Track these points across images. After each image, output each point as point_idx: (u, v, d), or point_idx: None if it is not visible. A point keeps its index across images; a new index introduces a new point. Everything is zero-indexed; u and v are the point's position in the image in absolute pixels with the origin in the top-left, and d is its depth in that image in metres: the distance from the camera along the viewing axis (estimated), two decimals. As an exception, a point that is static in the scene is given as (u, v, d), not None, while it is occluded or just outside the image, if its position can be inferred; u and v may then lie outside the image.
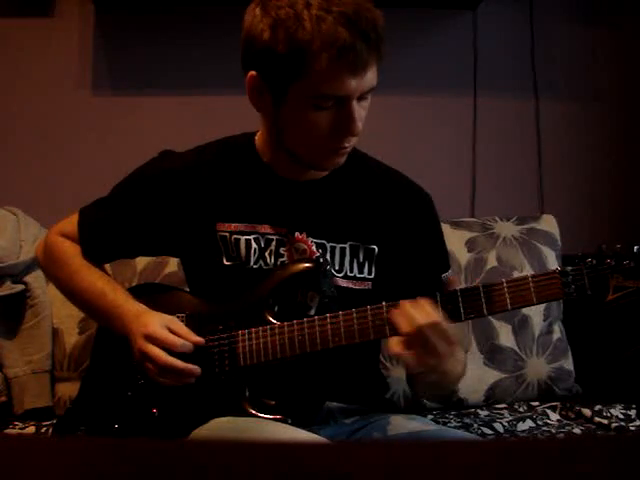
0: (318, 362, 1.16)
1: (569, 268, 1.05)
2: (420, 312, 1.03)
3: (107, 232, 1.28)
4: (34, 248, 1.80)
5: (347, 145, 1.13)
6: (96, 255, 1.29)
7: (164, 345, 1.13)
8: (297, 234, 1.21)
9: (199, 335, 1.18)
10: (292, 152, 1.17)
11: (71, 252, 1.29)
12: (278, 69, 1.07)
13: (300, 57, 1.04)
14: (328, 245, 1.21)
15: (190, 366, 1.13)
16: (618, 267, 1.02)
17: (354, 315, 1.10)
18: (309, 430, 1.10)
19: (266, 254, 1.20)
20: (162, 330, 1.14)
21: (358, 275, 1.22)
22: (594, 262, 1.04)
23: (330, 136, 1.10)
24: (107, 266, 1.39)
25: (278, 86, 1.09)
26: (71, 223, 1.30)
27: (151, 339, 1.13)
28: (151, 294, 1.28)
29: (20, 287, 1.73)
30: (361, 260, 1.22)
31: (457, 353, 1.09)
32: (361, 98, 1.09)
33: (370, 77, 1.08)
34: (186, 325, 1.20)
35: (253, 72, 1.11)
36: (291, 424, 1.10)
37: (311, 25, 1.02)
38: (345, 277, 1.21)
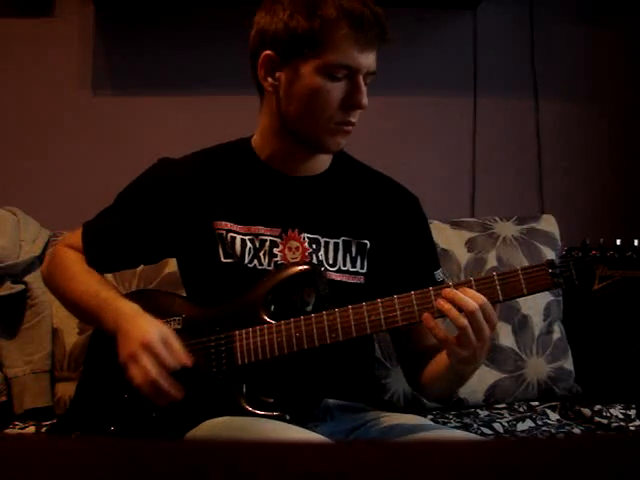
0: (315, 359, 1.17)
1: (556, 260, 1.10)
2: (466, 294, 1.07)
3: (110, 241, 1.31)
4: (34, 248, 1.81)
5: (352, 120, 1.20)
6: (100, 264, 1.31)
7: (158, 360, 1.12)
8: (290, 231, 1.24)
9: (197, 337, 1.19)
10: (298, 133, 1.22)
11: (72, 259, 1.31)
12: (297, 42, 1.16)
13: (321, 28, 1.14)
14: (322, 240, 1.25)
15: (173, 392, 1.12)
16: (602, 258, 1.08)
17: (350, 311, 1.12)
18: (306, 427, 1.11)
19: (260, 254, 1.23)
20: (160, 344, 1.12)
21: (351, 269, 1.25)
22: (580, 254, 1.09)
23: (338, 108, 1.18)
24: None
25: (294, 58, 1.17)
26: (76, 235, 1.33)
27: (147, 349, 1.11)
28: (147, 299, 1.28)
29: (20, 287, 1.73)
30: (354, 255, 1.26)
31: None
32: (364, 82, 1.19)
33: (374, 59, 1.19)
34: (182, 327, 1.21)
35: (268, 52, 1.19)
36: (288, 421, 1.10)
37: (332, 0, 1.15)
38: (338, 271, 1.25)
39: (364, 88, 1.18)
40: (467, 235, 1.89)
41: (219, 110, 2.08)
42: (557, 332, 1.85)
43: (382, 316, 1.11)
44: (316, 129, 1.20)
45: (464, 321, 1.05)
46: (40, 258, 1.80)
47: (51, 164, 2.09)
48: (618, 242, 1.08)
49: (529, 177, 2.26)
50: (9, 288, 1.72)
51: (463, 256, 1.85)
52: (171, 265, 1.78)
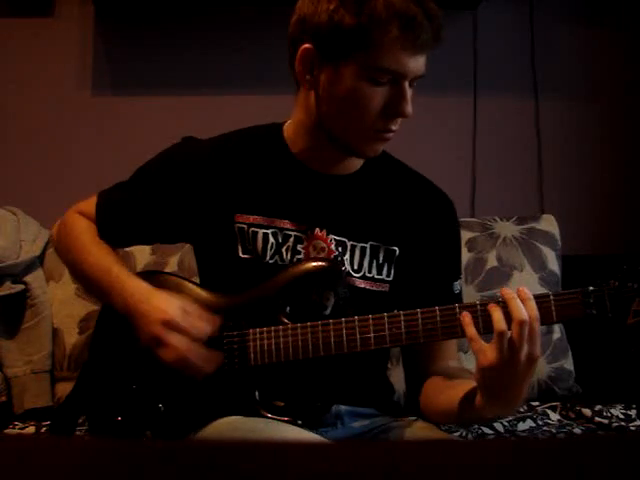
0: (327, 364, 1.14)
1: (591, 288, 1.02)
2: (525, 305, 0.99)
3: (124, 215, 1.26)
4: (34, 248, 1.81)
5: (393, 128, 1.12)
6: (112, 237, 1.27)
7: (183, 335, 1.08)
8: (317, 231, 1.18)
9: None
10: (333, 134, 1.15)
11: (84, 227, 1.26)
12: (340, 40, 1.06)
13: (368, 27, 1.04)
14: (349, 243, 1.19)
15: (205, 365, 1.10)
16: None
17: (370, 322, 1.07)
18: (316, 432, 1.09)
19: (283, 250, 1.18)
20: (181, 318, 1.09)
21: (376, 276, 1.20)
22: (617, 284, 1.01)
23: (379, 115, 1.10)
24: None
25: (336, 58, 1.08)
26: (90, 203, 1.29)
27: (170, 326, 1.08)
28: (158, 282, 1.23)
29: (20, 287, 1.73)
30: (380, 261, 1.20)
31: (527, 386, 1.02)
32: (410, 85, 1.11)
33: (424, 62, 1.11)
34: None
35: (307, 45, 1.10)
36: (300, 426, 1.08)
37: None
38: (363, 277, 1.19)
39: (409, 95, 1.09)
40: (467, 235, 1.89)
41: (219, 110, 2.08)
42: (557, 332, 1.85)
43: (403, 330, 1.06)
44: (354, 135, 1.13)
45: (504, 327, 0.97)
46: (40, 258, 1.81)
47: (51, 164, 2.09)
48: None
49: (529, 177, 2.26)
50: (9, 288, 1.72)
51: (463, 256, 1.84)
52: (171, 265, 1.79)
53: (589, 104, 2.27)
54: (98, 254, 1.22)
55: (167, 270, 1.78)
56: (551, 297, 1.02)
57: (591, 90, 2.28)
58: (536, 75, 2.24)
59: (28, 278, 1.75)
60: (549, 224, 1.95)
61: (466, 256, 1.85)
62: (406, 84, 1.09)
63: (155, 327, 1.09)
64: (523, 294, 1.00)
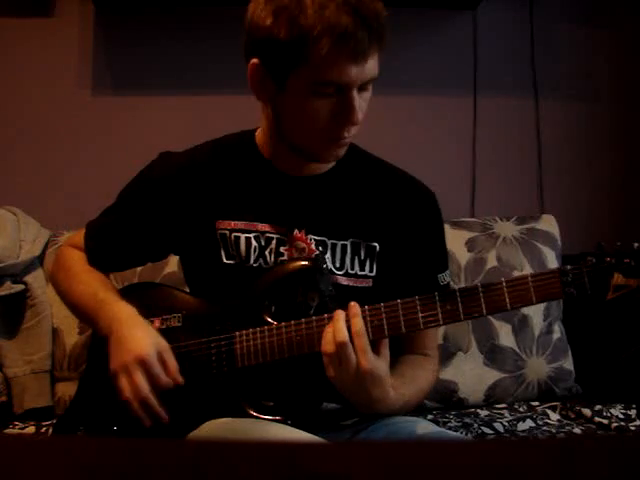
0: (316, 362, 1.15)
1: (569, 267, 1.03)
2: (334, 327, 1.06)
3: (111, 238, 1.29)
4: (34, 248, 1.81)
5: (346, 135, 1.12)
6: (101, 263, 1.30)
7: (152, 377, 1.11)
8: (296, 232, 1.20)
9: (197, 336, 1.18)
10: (292, 143, 1.17)
11: (75, 258, 1.30)
12: (279, 55, 1.06)
13: (301, 42, 1.03)
14: (329, 242, 1.20)
15: (162, 413, 1.12)
16: (618, 265, 1.00)
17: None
18: (307, 432, 1.10)
19: (266, 253, 1.19)
20: (155, 361, 1.11)
21: (359, 273, 1.21)
22: (594, 261, 1.02)
23: (329, 125, 1.10)
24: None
25: (279, 73, 1.09)
26: (80, 235, 1.33)
27: (142, 364, 1.10)
28: (147, 293, 1.27)
29: (20, 287, 1.73)
30: (362, 257, 1.21)
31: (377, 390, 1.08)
32: (362, 89, 1.09)
33: (371, 66, 1.07)
34: (183, 325, 1.20)
35: (255, 59, 1.11)
36: (290, 425, 1.09)
37: (313, 11, 1.02)
38: (346, 275, 1.20)
39: (357, 103, 1.08)
40: (467, 235, 1.89)
41: (219, 110, 2.08)
42: (557, 332, 1.85)
43: (385, 321, 1.08)
44: (308, 144, 1.15)
45: (330, 349, 1.06)
46: (40, 258, 1.81)
47: (51, 164, 2.09)
48: (635, 246, 1.00)
49: (529, 177, 2.26)
50: (9, 288, 1.72)
51: (463, 256, 1.85)
52: (171, 264, 1.79)
53: (589, 104, 2.27)
54: (86, 281, 1.26)
55: (167, 270, 1.78)
56: (529, 278, 1.04)
57: (591, 90, 2.28)
58: (536, 75, 2.24)
59: (28, 278, 1.75)
60: (549, 224, 1.95)
61: (466, 256, 1.85)
62: (353, 92, 1.07)
63: (128, 357, 1.11)
64: (350, 311, 1.08)
